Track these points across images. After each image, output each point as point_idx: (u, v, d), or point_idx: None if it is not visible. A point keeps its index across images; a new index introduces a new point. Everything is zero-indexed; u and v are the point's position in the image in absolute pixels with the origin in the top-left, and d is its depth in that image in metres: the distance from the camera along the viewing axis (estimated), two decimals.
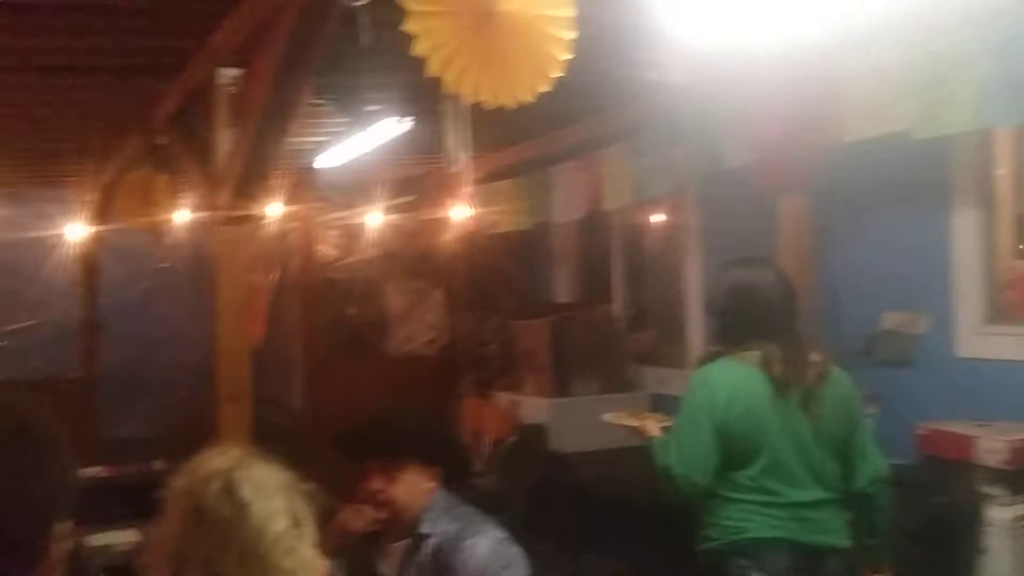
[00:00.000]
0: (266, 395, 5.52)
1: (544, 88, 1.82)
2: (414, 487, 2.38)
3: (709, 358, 2.92)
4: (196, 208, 4.36)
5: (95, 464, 5.45)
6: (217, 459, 1.62)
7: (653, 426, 3.12)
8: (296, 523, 1.59)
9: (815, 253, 3.62)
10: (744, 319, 2.83)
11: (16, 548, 1.19)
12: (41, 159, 5.46)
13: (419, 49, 1.66)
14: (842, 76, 3.34)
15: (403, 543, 2.41)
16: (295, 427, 6.10)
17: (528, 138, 5.28)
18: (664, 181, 4.54)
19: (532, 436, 5.47)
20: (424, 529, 2.36)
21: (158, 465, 5.48)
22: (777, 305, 2.84)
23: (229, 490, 1.56)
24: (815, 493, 2.79)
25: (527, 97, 1.81)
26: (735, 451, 2.77)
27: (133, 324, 6.57)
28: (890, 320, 4.02)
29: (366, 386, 6.45)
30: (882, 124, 3.21)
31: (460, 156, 1.98)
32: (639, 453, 5.25)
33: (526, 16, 1.71)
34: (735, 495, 2.79)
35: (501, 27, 1.68)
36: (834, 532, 2.81)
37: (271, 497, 1.58)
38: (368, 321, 6.85)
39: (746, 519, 2.78)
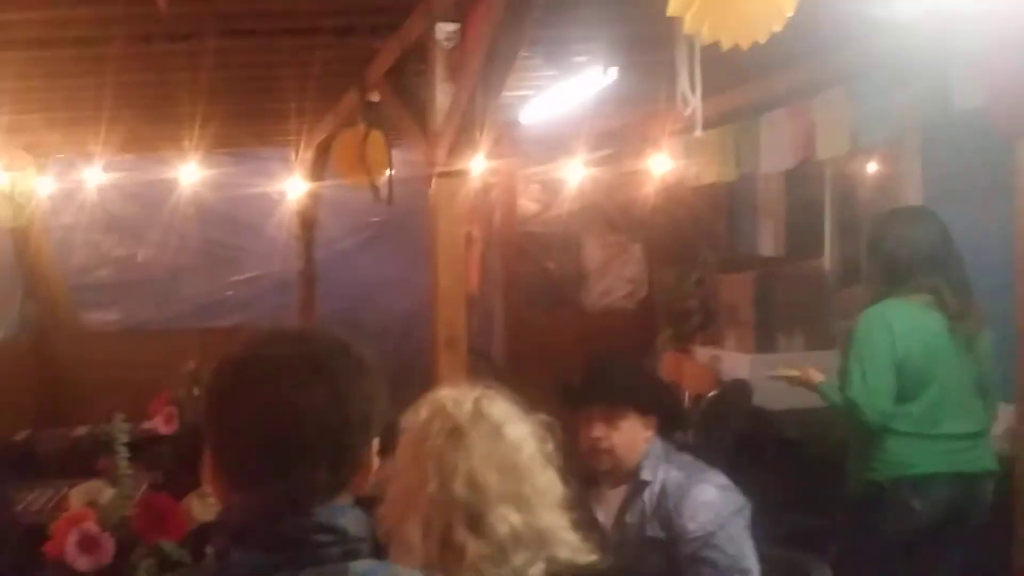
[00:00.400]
0: (470, 345, 5.71)
1: (778, 27, 1.76)
2: (633, 435, 2.44)
3: (878, 298, 3.15)
4: (410, 163, 4.52)
5: None
6: (458, 392, 1.73)
7: (816, 373, 3.42)
8: (542, 447, 1.68)
9: None
10: (912, 262, 3.10)
11: (346, 456, 1.24)
12: (263, 119, 5.78)
13: None
14: None
15: (620, 489, 2.46)
16: (498, 377, 6.27)
17: (736, 84, 5.09)
18: (884, 127, 4.28)
19: (734, 392, 5.38)
20: (645, 476, 2.42)
21: None
22: (942, 250, 3.13)
23: (482, 412, 1.67)
24: (973, 425, 3.10)
25: (762, 37, 1.76)
26: (906, 385, 3.03)
27: (347, 275, 6.93)
28: None
29: (564, 339, 6.54)
30: None
31: (690, 101, 1.94)
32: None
33: None
34: (902, 428, 3.04)
35: None
36: (988, 459, 3.12)
37: (518, 421, 1.68)
38: (567, 275, 6.91)
39: (912, 453, 3.04)
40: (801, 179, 5.85)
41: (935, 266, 3.10)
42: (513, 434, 1.70)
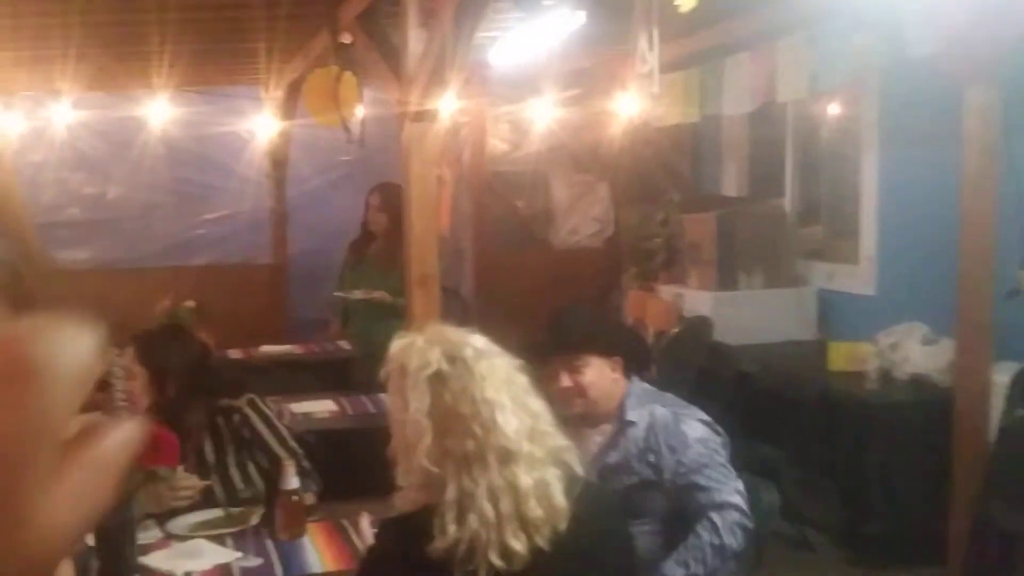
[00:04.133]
0: (441, 284, 5.83)
1: None
2: (600, 378, 2.55)
3: None
4: (381, 103, 4.59)
5: (287, 343, 5.96)
6: (447, 330, 1.84)
7: None
8: (529, 380, 1.82)
9: (1001, 149, 3.50)
10: None
11: None
12: (232, 57, 5.77)
13: None
14: None
15: (600, 430, 2.59)
16: (468, 314, 6.42)
17: (700, 28, 5.19)
18: (842, 71, 4.43)
19: (696, 328, 5.57)
20: (631, 416, 2.54)
21: (343, 344, 5.92)
22: None
23: (475, 345, 1.79)
24: None
25: None
26: None
27: (318, 214, 6.99)
28: None
29: (533, 277, 6.70)
30: None
31: (648, 60, 2.04)
32: (803, 347, 5.32)
33: None
34: None
35: None
36: None
37: (503, 355, 1.81)
38: (535, 213, 7.03)
39: None
40: (763, 121, 5.99)
41: None
42: (506, 363, 1.82)
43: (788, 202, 5.98)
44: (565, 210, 7.04)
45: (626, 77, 6.11)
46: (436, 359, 1.77)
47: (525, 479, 1.71)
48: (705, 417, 2.54)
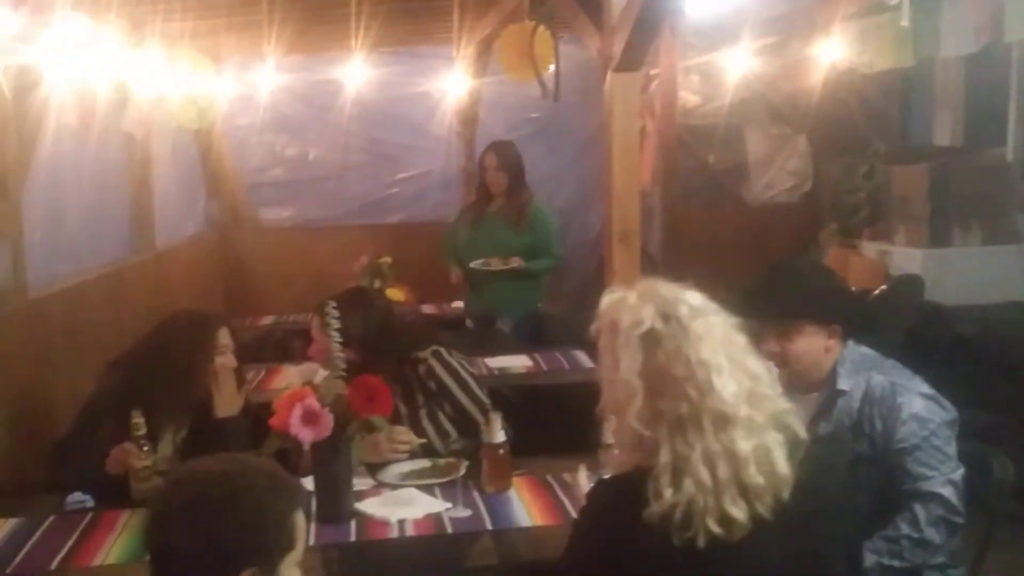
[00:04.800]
0: None
1: None
2: (813, 347, 2.38)
3: None
4: (570, 58, 4.52)
5: None
6: (659, 285, 1.77)
7: None
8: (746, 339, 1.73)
9: None
10: None
11: None
12: (427, 16, 5.85)
13: None
14: None
15: (812, 397, 2.42)
16: (655, 273, 6.30)
17: None
18: None
19: (905, 287, 5.24)
20: (842, 385, 2.37)
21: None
22: None
23: (690, 302, 1.72)
24: None
25: None
26: None
27: None
28: None
29: (723, 234, 6.50)
30: None
31: None
32: None
33: None
34: None
35: None
36: None
37: (720, 312, 1.73)
38: (727, 168, 6.79)
39: None
40: (983, 63, 5.52)
41: None
42: (723, 322, 1.74)
43: (1010, 152, 5.51)
44: (760, 164, 6.76)
45: (829, 21, 5.79)
46: (649, 317, 1.70)
47: (744, 444, 1.62)
48: (928, 390, 2.33)
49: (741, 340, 1.73)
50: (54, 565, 2.30)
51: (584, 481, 2.49)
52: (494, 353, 4.33)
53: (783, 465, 1.63)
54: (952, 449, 2.30)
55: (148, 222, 5.10)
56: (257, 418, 2.88)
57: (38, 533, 2.47)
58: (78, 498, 2.65)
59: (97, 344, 3.83)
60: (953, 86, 5.94)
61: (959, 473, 2.27)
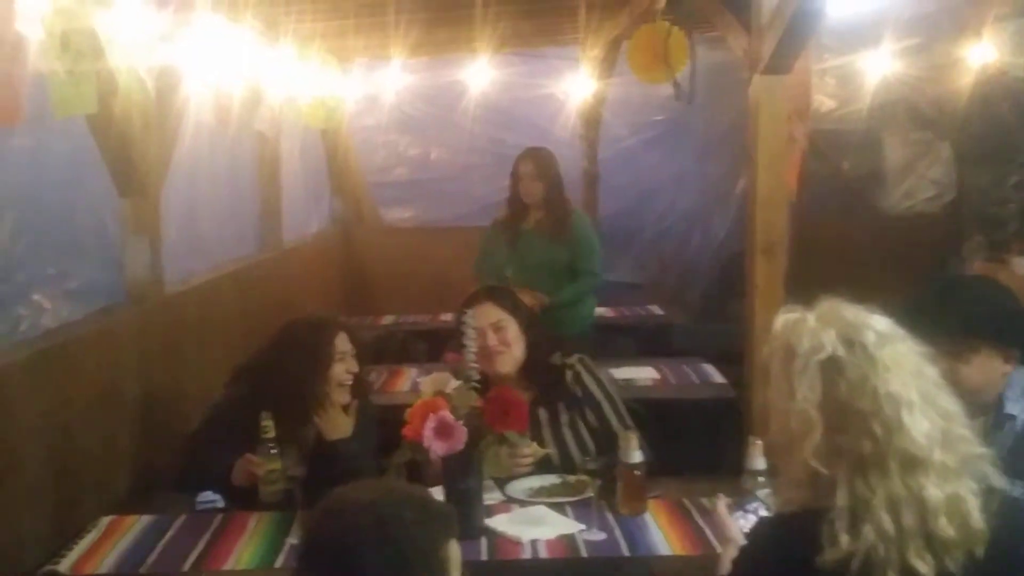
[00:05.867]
0: None
1: None
2: (987, 371, 2.18)
3: None
4: (704, 60, 4.35)
5: (599, 305, 5.91)
6: (837, 306, 1.61)
7: None
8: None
9: None
10: None
11: None
12: (553, 17, 5.76)
13: None
14: None
15: (977, 422, 2.24)
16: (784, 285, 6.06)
17: None
18: None
19: None
20: (1010, 409, 2.18)
21: (655, 309, 5.79)
22: None
23: (879, 332, 1.57)
24: None
25: None
26: None
27: (629, 174, 6.89)
28: None
29: (858, 245, 6.19)
30: None
31: None
32: None
33: None
34: None
35: None
36: None
37: (909, 340, 1.58)
38: (863, 175, 6.49)
39: None
40: None
41: None
42: (914, 351, 1.58)
43: None
44: (899, 171, 6.44)
45: (979, 22, 5.46)
46: (831, 342, 1.55)
47: (935, 492, 1.46)
48: None
49: (933, 373, 1.56)
50: (186, 567, 2.29)
51: (724, 511, 2.34)
52: (616, 363, 4.17)
53: (977, 518, 1.47)
54: None
55: (276, 220, 5.16)
56: (383, 421, 2.85)
57: (170, 532, 2.48)
58: (209, 498, 2.65)
59: (225, 341, 3.88)
60: None
61: None
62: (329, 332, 2.80)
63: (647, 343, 5.23)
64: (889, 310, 2.20)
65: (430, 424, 2.25)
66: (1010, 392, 2.21)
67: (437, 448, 2.26)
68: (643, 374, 4.09)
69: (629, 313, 5.64)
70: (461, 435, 2.26)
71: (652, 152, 6.91)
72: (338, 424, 2.76)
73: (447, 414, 2.26)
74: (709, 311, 6.35)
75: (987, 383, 2.21)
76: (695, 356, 4.44)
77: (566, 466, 2.75)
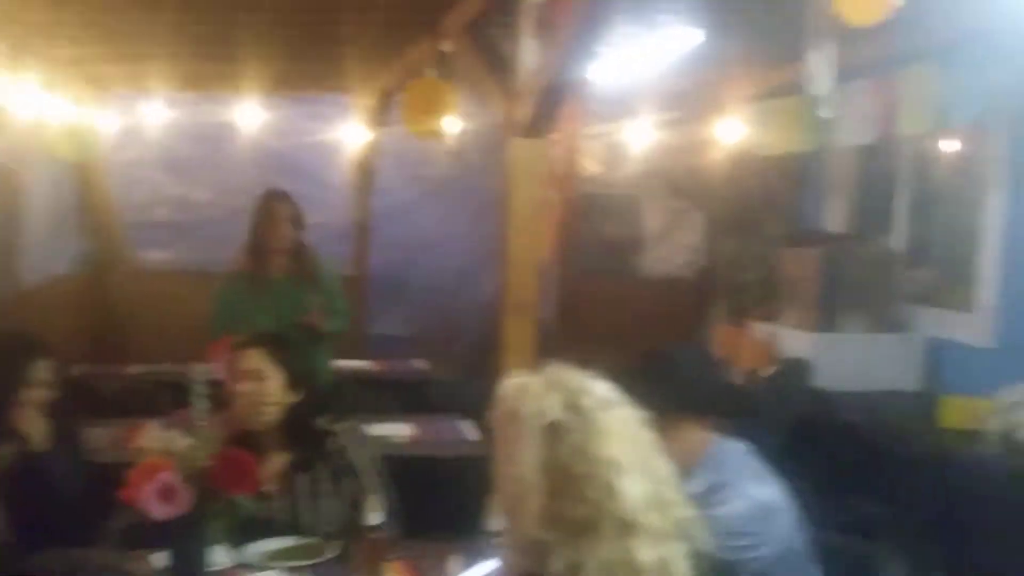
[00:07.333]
0: None
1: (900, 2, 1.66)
2: (685, 440, 2.20)
3: None
4: (475, 117, 4.43)
5: (363, 358, 5.81)
6: (560, 371, 1.62)
7: None
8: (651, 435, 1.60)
9: None
10: None
11: None
12: (325, 63, 5.68)
13: None
14: None
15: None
16: (547, 343, 6.21)
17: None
18: (974, 106, 4.13)
19: (792, 371, 5.26)
20: (693, 487, 2.12)
21: (419, 364, 5.76)
22: None
23: (594, 392, 1.57)
24: None
25: (883, 15, 1.66)
26: None
27: (402, 227, 6.86)
28: None
29: (619, 305, 6.46)
30: None
31: (820, 65, 1.82)
32: (908, 398, 4.99)
33: None
34: None
35: None
36: None
37: (628, 405, 1.60)
38: (624, 239, 6.80)
39: None
40: (875, 154, 5.68)
41: None
42: (631, 416, 1.61)
43: (895, 241, 5.65)
44: (656, 237, 6.80)
45: (731, 101, 5.88)
46: (554, 407, 1.56)
47: (647, 554, 1.49)
48: (762, 494, 2.14)
49: (648, 437, 1.60)
50: None
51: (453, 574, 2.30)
52: (374, 419, 4.05)
53: None
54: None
55: (12, 258, 4.73)
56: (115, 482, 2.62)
57: None
58: None
59: None
60: (844, 174, 6.10)
61: None
62: (26, 354, 2.63)
63: (409, 398, 5.17)
64: (616, 375, 2.27)
65: (152, 487, 2.08)
66: (703, 462, 2.20)
67: (158, 512, 2.09)
68: (400, 431, 4.02)
69: (391, 368, 5.58)
70: (185, 498, 2.11)
71: (428, 207, 6.93)
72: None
73: (170, 476, 2.10)
74: (475, 365, 6.40)
75: (686, 451, 2.21)
76: (456, 412, 4.42)
77: (317, 531, 2.62)
